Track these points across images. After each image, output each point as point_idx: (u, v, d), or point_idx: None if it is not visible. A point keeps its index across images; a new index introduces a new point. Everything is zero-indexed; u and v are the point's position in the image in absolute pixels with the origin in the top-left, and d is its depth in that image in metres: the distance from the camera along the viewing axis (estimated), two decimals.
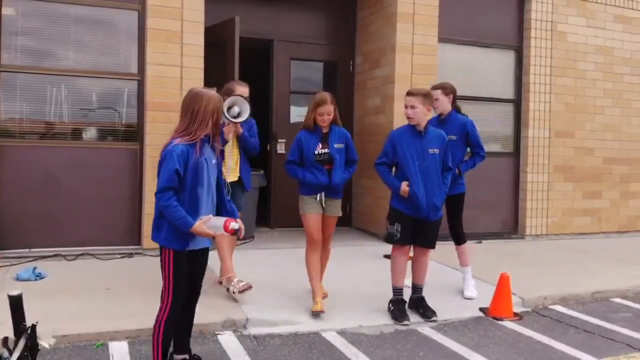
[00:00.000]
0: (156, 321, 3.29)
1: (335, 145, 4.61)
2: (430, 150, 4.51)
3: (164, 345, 3.28)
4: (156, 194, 3.17)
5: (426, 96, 4.53)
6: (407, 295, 4.74)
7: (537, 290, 5.37)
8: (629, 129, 8.79)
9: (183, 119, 3.28)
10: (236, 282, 4.77)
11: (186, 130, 3.23)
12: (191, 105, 3.25)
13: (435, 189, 4.51)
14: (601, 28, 8.52)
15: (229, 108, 4.64)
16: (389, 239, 4.62)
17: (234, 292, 4.74)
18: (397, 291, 4.65)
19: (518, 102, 8.29)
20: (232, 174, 5.02)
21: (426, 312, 4.63)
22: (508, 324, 4.68)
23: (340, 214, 4.80)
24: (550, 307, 5.16)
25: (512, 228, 8.24)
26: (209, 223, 3.19)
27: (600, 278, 5.97)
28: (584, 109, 8.46)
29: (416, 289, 4.77)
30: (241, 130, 4.80)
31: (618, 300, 5.46)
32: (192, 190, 3.22)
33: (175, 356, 3.50)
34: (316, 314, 4.49)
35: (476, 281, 5.30)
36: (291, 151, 4.70)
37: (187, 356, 3.53)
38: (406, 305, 4.67)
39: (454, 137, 5.00)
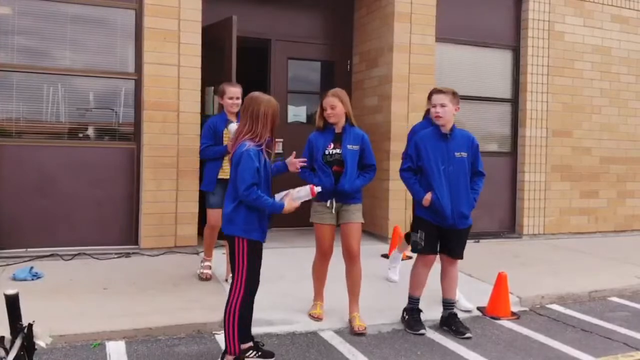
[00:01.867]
0: (228, 311, 3.44)
1: (349, 147, 4.22)
2: (457, 154, 4.23)
3: (240, 331, 3.45)
4: (244, 190, 3.39)
5: (454, 95, 4.26)
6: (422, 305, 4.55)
7: (534, 289, 5.37)
8: (626, 128, 8.81)
9: (248, 122, 3.53)
10: (205, 267, 5.27)
11: (252, 133, 3.51)
12: (251, 108, 3.53)
13: (463, 196, 4.23)
14: (598, 28, 8.54)
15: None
16: (413, 247, 4.39)
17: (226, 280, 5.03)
18: (413, 300, 4.43)
19: (515, 102, 8.29)
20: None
21: (459, 329, 4.31)
22: (505, 323, 4.68)
23: (360, 220, 4.34)
24: (547, 306, 5.17)
25: (510, 227, 8.25)
26: (294, 196, 3.61)
27: (598, 277, 5.98)
28: (581, 108, 8.48)
29: (447, 304, 4.47)
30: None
31: (615, 299, 5.48)
32: (264, 185, 3.52)
33: (242, 345, 3.56)
34: (313, 318, 4.41)
35: (474, 280, 5.30)
36: (303, 154, 4.37)
37: (251, 343, 3.66)
38: (425, 321, 4.44)
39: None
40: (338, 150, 4.24)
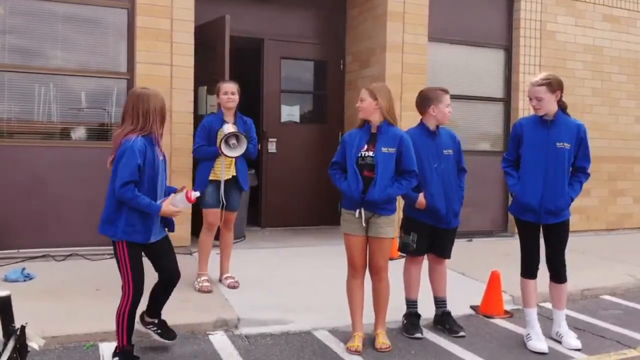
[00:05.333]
0: (119, 314, 3.49)
1: (383, 149, 3.80)
2: (445, 152, 4.19)
3: (129, 330, 3.50)
4: (119, 188, 3.34)
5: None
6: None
7: None
8: (617, 127, 8.86)
9: (133, 119, 3.45)
10: (202, 280, 4.98)
11: (142, 130, 3.43)
12: (142, 105, 3.45)
13: (454, 193, 4.21)
14: (590, 27, 8.58)
15: (227, 138, 4.72)
16: (403, 249, 4.32)
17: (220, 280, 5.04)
18: (411, 304, 4.37)
19: (507, 101, 8.32)
20: (226, 172, 5.00)
21: (453, 328, 4.30)
22: (499, 321, 4.70)
23: (390, 236, 3.91)
24: (540, 304, 5.18)
25: (502, 226, 8.28)
26: (173, 201, 3.46)
27: (590, 275, 6.00)
28: (573, 107, 8.41)
29: (439, 302, 4.43)
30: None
31: (607, 297, 5.51)
32: (150, 183, 3.44)
33: (147, 318, 3.83)
34: (351, 352, 3.87)
35: (467, 279, 5.31)
36: (337, 152, 4.05)
37: (156, 320, 3.83)
38: (420, 319, 4.40)
39: (567, 145, 4.03)
40: (370, 153, 3.83)
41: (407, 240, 4.28)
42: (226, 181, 5.00)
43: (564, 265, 4.15)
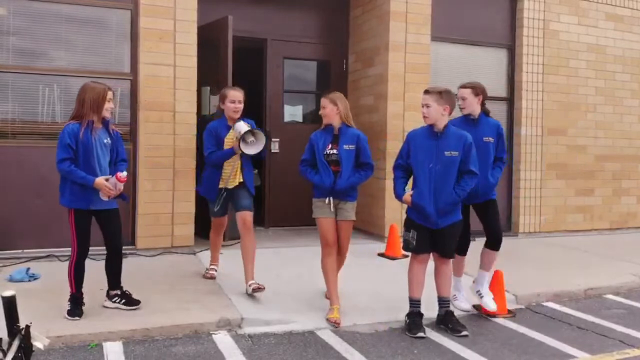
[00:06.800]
0: (69, 267, 4.22)
1: (345, 147, 4.48)
2: (447, 153, 4.18)
3: (77, 280, 4.22)
4: (57, 163, 4.06)
5: (441, 94, 4.18)
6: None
7: (530, 287, 5.39)
8: (621, 126, 8.84)
9: (76, 106, 4.19)
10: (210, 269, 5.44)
11: (77, 117, 4.15)
12: (80, 95, 4.18)
13: (447, 195, 4.17)
14: (593, 26, 8.56)
15: (244, 136, 4.76)
16: (405, 246, 4.41)
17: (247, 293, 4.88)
18: (414, 303, 4.38)
19: (510, 100, 8.31)
20: (231, 181, 5.00)
21: (455, 327, 4.33)
22: (502, 320, 4.70)
23: (352, 218, 4.62)
24: (543, 304, 5.19)
25: (505, 226, 8.24)
26: (109, 181, 4.11)
27: (593, 275, 6.00)
28: (576, 106, 8.50)
29: (442, 301, 4.47)
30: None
31: (611, 296, 5.50)
32: (85, 161, 4.09)
33: (110, 292, 4.42)
34: (331, 323, 4.37)
35: (470, 278, 5.29)
36: (305, 150, 4.67)
37: (119, 291, 4.41)
38: (423, 319, 4.40)
39: (491, 139, 4.70)
40: (335, 151, 4.49)
41: (407, 237, 4.35)
42: (234, 187, 5.01)
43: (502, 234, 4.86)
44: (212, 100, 6.94)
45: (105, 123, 4.26)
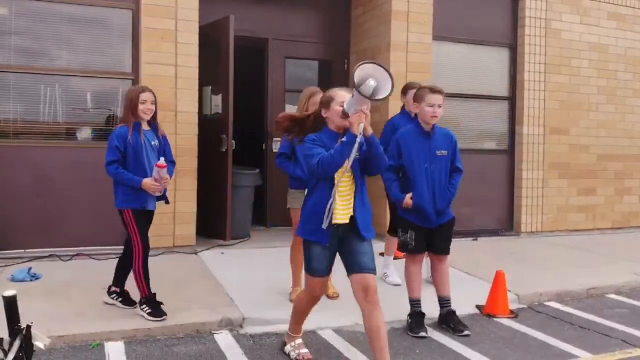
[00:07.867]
0: (135, 269, 4.18)
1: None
2: (439, 153, 4.21)
3: (147, 281, 4.19)
4: (105, 166, 4.16)
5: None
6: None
7: (532, 287, 5.38)
8: (624, 125, 8.82)
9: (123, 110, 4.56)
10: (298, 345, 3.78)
11: (122, 119, 4.34)
12: (124, 99, 4.39)
13: (443, 193, 4.22)
14: (595, 25, 8.55)
15: (361, 83, 3.17)
16: (403, 247, 4.39)
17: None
18: (414, 303, 4.37)
19: (513, 100, 8.30)
20: (339, 213, 3.29)
21: (457, 327, 4.31)
22: (504, 321, 4.69)
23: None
24: (546, 303, 5.18)
25: (508, 225, 8.26)
26: (152, 176, 4.14)
27: (596, 274, 5.99)
28: (579, 106, 8.49)
29: (443, 301, 4.43)
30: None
31: (613, 296, 5.49)
32: (135, 163, 4.17)
33: (112, 287, 4.47)
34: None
35: (472, 279, 5.31)
36: (281, 145, 4.70)
37: (118, 290, 4.44)
38: (425, 319, 4.39)
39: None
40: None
41: (406, 238, 4.32)
42: (345, 227, 3.32)
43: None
44: (213, 100, 6.94)
45: (153, 126, 4.34)
